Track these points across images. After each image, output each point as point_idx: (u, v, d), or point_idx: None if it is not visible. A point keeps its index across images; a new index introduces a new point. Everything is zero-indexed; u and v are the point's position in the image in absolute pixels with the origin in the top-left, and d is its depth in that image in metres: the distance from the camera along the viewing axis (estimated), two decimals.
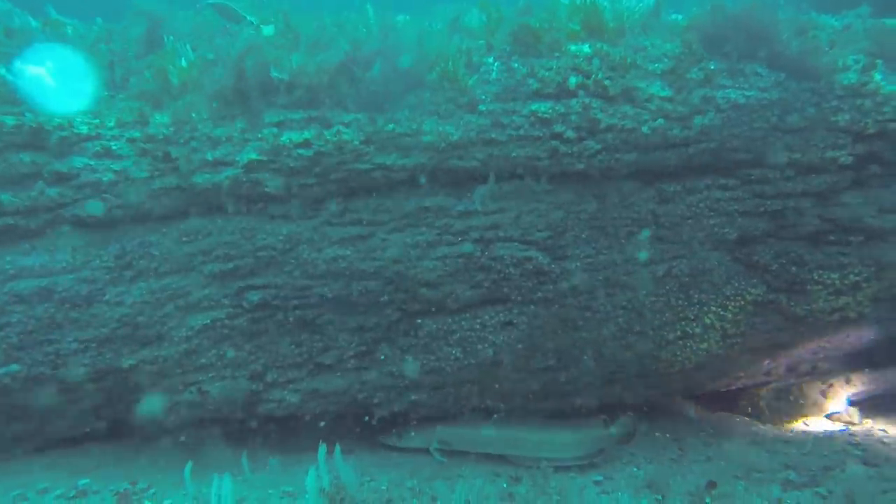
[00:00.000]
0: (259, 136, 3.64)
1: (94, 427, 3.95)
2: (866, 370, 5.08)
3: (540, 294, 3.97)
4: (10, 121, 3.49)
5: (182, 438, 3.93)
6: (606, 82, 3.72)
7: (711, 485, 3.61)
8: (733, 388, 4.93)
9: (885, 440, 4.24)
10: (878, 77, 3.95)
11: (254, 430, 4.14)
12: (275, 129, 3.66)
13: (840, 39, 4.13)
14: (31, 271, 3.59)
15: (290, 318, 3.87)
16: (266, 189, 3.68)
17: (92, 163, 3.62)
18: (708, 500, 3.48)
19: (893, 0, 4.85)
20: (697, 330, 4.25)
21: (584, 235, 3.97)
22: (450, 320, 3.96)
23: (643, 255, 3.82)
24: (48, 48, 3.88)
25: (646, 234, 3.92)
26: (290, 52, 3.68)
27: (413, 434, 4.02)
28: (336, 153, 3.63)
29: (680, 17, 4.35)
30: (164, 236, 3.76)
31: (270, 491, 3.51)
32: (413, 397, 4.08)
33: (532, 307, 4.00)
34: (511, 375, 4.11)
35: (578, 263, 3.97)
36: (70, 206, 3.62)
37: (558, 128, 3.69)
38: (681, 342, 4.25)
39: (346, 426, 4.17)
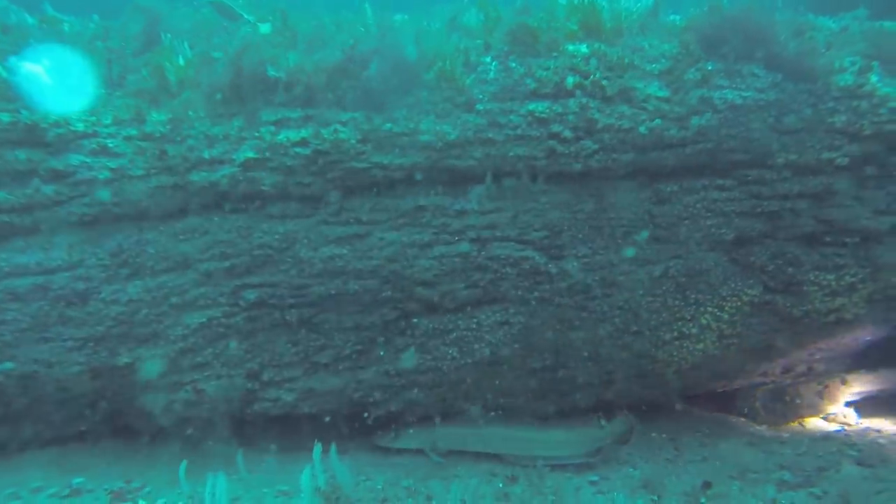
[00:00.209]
0: (256, 134, 3.64)
1: (89, 426, 3.94)
2: (862, 371, 5.10)
3: (536, 294, 3.97)
4: (5, 118, 3.48)
5: (189, 431, 3.92)
6: (604, 82, 3.73)
7: (707, 485, 3.62)
8: (730, 388, 4.94)
9: (881, 440, 4.26)
10: (874, 79, 3.97)
11: (251, 428, 4.13)
12: (272, 128, 3.65)
13: (837, 41, 4.15)
14: (27, 269, 3.58)
15: (287, 317, 3.86)
16: (263, 187, 3.67)
17: (88, 160, 3.61)
18: (703, 500, 3.48)
19: (891, 3, 4.87)
20: (694, 330, 4.26)
21: (580, 235, 3.97)
22: (446, 320, 3.96)
23: (630, 252, 3.81)
24: (45, 45, 3.87)
25: (644, 235, 3.92)
26: (288, 51, 3.68)
27: (408, 434, 4.00)
28: (333, 152, 3.62)
29: (678, 17, 4.36)
30: (161, 234, 3.75)
31: (266, 490, 3.51)
32: (409, 396, 4.08)
33: (529, 307, 4.00)
34: (508, 375, 4.12)
35: (575, 263, 3.97)
36: (66, 203, 3.61)
37: (555, 127, 3.69)
38: (677, 342, 4.26)
39: (340, 425, 4.16)
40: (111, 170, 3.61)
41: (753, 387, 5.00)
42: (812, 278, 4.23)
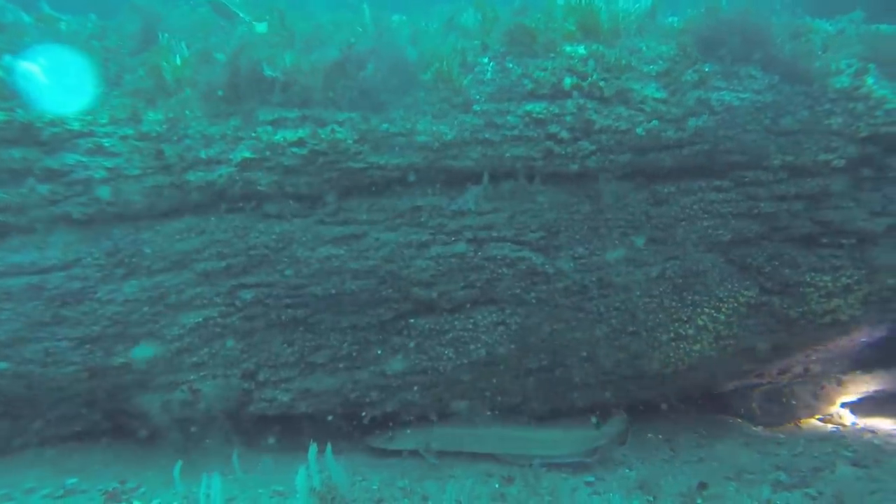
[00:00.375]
0: (253, 134, 3.63)
1: (84, 426, 3.93)
2: (858, 372, 5.11)
3: (533, 294, 3.97)
4: (0, 116, 3.47)
5: (185, 432, 3.90)
6: (601, 83, 3.73)
7: (702, 486, 3.63)
8: (726, 389, 4.95)
9: (875, 441, 4.27)
10: (870, 81, 3.98)
11: (247, 428, 4.12)
12: (269, 128, 3.65)
13: (834, 43, 4.16)
14: (21, 268, 3.56)
15: (283, 317, 3.86)
16: (260, 187, 3.67)
17: (84, 159, 3.60)
18: (699, 500, 3.49)
19: (887, 5, 4.88)
20: (690, 331, 4.26)
21: (577, 236, 3.97)
22: (442, 320, 3.96)
23: (617, 254, 3.81)
24: (41, 44, 3.86)
25: (640, 241, 3.92)
26: (284, 51, 3.68)
27: (403, 434, 3.99)
28: (330, 152, 3.62)
29: (675, 19, 4.36)
30: (157, 234, 3.74)
31: (261, 490, 3.50)
32: (406, 396, 4.07)
33: (525, 307, 4.00)
34: (504, 375, 4.12)
35: (572, 264, 3.97)
36: (62, 202, 3.59)
37: (553, 128, 3.69)
38: (674, 343, 4.26)
39: (338, 425, 4.15)
40: (107, 169, 3.60)
41: (750, 388, 5.01)
42: (808, 279, 4.24)
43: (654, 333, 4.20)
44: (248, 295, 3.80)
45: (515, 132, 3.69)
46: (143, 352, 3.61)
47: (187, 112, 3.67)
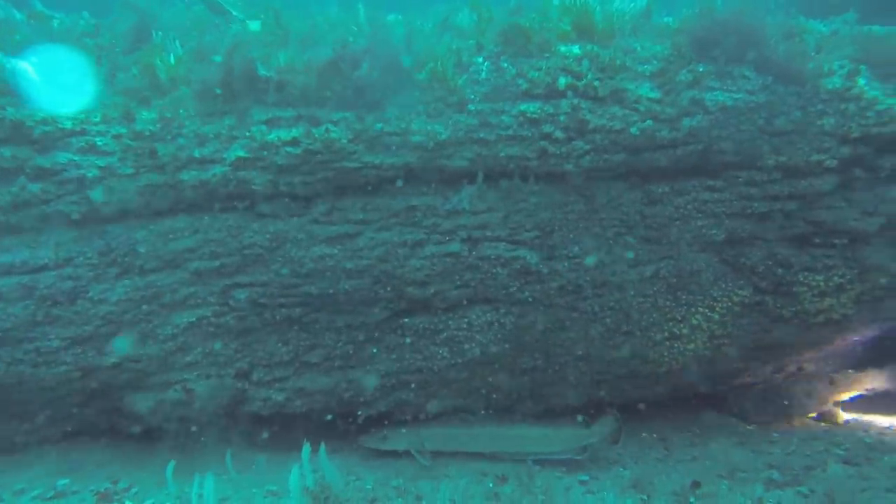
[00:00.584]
0: (247, 133, 3.62)
1: (76, 426, 3.91)
2: (851, 371, 5.15)
3: (527, 294, 3.98)
4: None
5: (179, 431, 3.89)
6: (596, 83, 3.74)
7: (696, 484, 3.64)
8: (721, 388, 4.97)
9: (867, 440, 4.30)
10: (861, 82, 4.00)
11: (241, 428, 4.11)
12: (263, 127, 3.64)
13: (827, 44, 4.18)
14: (12, 268, 3.54)
15: (277, 317, 3.85)
16: (254, 187, 3.65)
17: (76, 158, 3.58)
18: (692, 499, 3.50)
19: (880, 5, 4.91)
20: (685, 331, 4.28)
21: (571, 236, 3.98)
22: (437, 319, 3.96)
23: (590, 260, 3.83)
24: (33, 42, 3.83)
25: (630, 255, 3.93)
26: (279, 50, 3.66)
27: (396, 435, 3.98)
28: (324, 151, 3.61)
29: (670, 19, 4.37)
30: (151, 233, 3.73)
31: (255, 490, 3.49)
32: (400, 396, 4.07)
33: (520, 307, 4.01)
34: (498, 375, 4.12)
35: (566, 264, 3.98)
36: (54, 201, 3.57)
37: (547, 128, 3.70)
38: (668, 343, 4.28)
39: (333, 424, 4.15)
40: (100, 168, 3.58)
41: (744, 386, 5.03)
42: (801, 279, 4.26)
43: (648, 333, 4.22)
44: (242, 294, 3.78)
45: (510, 132, 3.69)
46: (122, 344, 3.58)
47: (181, 111, 3.66)
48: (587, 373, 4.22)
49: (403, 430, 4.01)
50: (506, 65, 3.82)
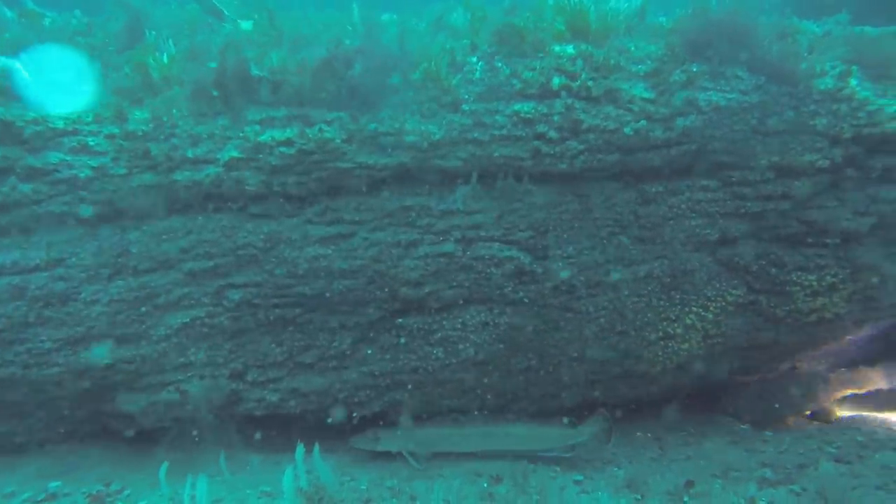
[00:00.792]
0: (241, 133, 3.61)
1: (68, 428, 3.89)
2: (844, 369, 5.18)
3: (521, 294, 3.98)
4: None
5: (173, 432, 3.87)
6: (590, 83, 3.74)
7: (689, 484, 3.65)
8: (716, 387, 4.99)
9: (859, 438, 4.33)
10: (853, 83, 4.03)
11: (235, 429, 4.10)
12: (257, 127, 3.63)
13: (819, 45, 4.21)
14: (3, 269, 3.51)
15: (271, 317, 3.84)
16: (247, 187, 3.64)
17: (68, 158, 3.55)
18: (686, 499, 3.51)
19: (872, 8, 4.94)
20: (679, 330, 4.29)
21: (565, 236, 3.99)
22: (431, 320, 3.96)
23: (564, 274, 3.84)
24: (24, 40, 3.80)
25: (616, 275, 3.94)
26: (272, 50, 3.66)
27: (389, 436, 3.96)
28: (318, 152, 3.60)
29: (665, 19, 4.39)
30: (144, 234, 3.71)
31: (249, 491, 3.48)
32: (395, 396, 4.07)
33: (514, 307, 4.01)
34: (493, 375, 4.12)
35: (560, 264, 3.99)
36: (45, 202, 3.55)
37: (541, 128, 3.70)
38: (662, 343, 4.29)
39: (327, 425, 4.14)
40: (92, 168, 3.56)
41: (738, 385, 5.05)
42: (795, 279, 4.28)
43: (642, 333, 4.23)
44: (236, 295, 3.77)
45: (504, 132, 3.69)
46: (99, 353, 3.56)
47: (174, 111, 3.64)
48: (581, 373, 4.23)
49: (395, 431, 3.99)
50: (500, 64, 3.82)
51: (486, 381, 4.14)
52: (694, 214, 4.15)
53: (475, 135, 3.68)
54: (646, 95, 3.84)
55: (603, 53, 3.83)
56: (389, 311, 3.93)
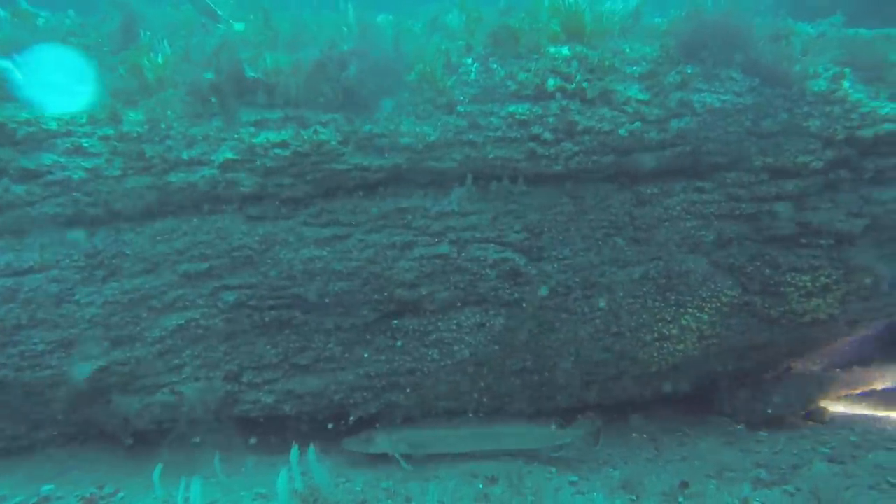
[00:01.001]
0: (236, 135, 3.60)
1: (62, 430, 3.87)
2: (839, 370, 5.20)
3: (517, 295, 3.99)
4: None
5: (167, 435, 3.86)
6: (584, 85, 3.75)
7: (684, 485, 3.67)
8: (712, 388, 5.00)
9: (852, 438, 4.35)
10: (846, 85, 4.05)
11: (230, 431, 4.09)
12: (252, 129, 3.62)
13: (813, 47, 4.22)
14: None
15: (266, 319, 3.83)
16: (242, 188, 3.64)
17: (62, 160, 3.54)
18: (681, 499, 3.52)
19: (866, 10, 4.96)
20: (674, 331, 4.30)
21: (560, 237, 3.99)
22: (426, 321, 3.96)
23: (544, 291, 3.87)
24: (16, 40, 3.78)
25: (602, 303, 3.98)
26: (267, 51, 3.65)
27: (380, 437, 3.95)
28: (313, 153, 3.60)
29: (661, 20, 4.39)
30: (138, 235, 3.70)
31: (243, 493, 3.48)
32: (390, 398, 4.07)
33: (509, 308, 4.01)
34: (488, 376, 4.13)
35: (555, 265, 3.99)
36: (39, 203, 3.53)
37: (536, 129, 3.71)
38: (657, 343, 4.30)
39: (322, 426, 4.13)
40: (86, 170, 3.55)
41: (733, 386, 5.07)
42: (789, 279, 4.30)
43: (637, 334, 4.24)
44: (230, 297, 3.76)
45: (499, 133, 3.70)
46: (82, 370, 3.56)
47: (169, 112, 3.63)
48: (576, 374, 4.24)
49: (386, 433, 3.98)
50: (495, 66, 3.82)
51: (480, 382, 4.14)
52: (689, 216, 4.16)
53: (470, 136, 3.69)
54: (641, 97, 3.84)
55: (598, 55, 3.84)
56: (385, 312, 3.93)
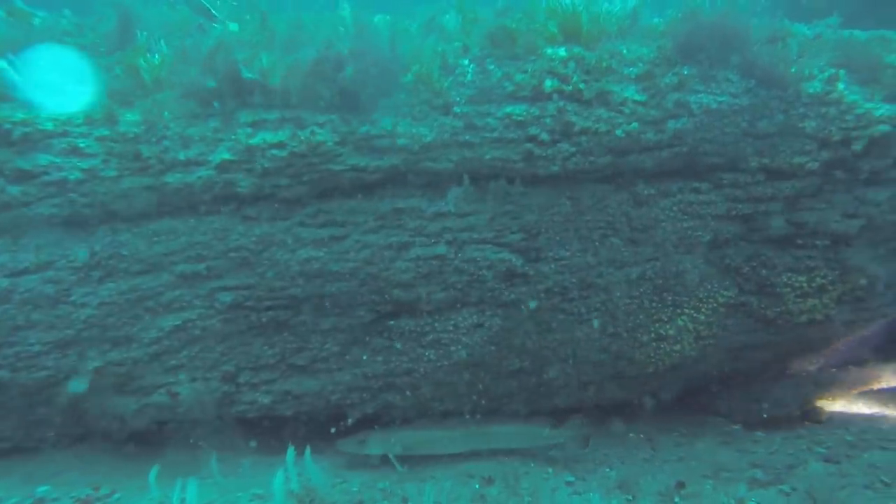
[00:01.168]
0: (232, 136, 3.60)
1: (58, 431, 3.86)
2: (834, 370, 5.22)
3: (513, 296, 3.99)
4: None
5: (164, 436, 3.85)
6: (581, 86, 3.76)
7: (680, 485, 3.68)
8: (708, 388, 5.02)
9: (848, 437, 4.37)
10: (841, 87, 4.06)
11: (227, 431, 4.09)
12: (249, 129, 3.62)
13: (809, 49, 4.24)
14: None
15: (263, 319, 3.83)
16: (239, 189, 3.63)
17: (58, 160, 3.53)
18: (677, 499, 3.53)
19: (862, 11, 4.98)
20: (671, 332, 4.32)
21: (557, 238, 4.00)
22: (423, 322, 3.96)
23: (532, 304, 3.89)
24: (12, 40, 3.77)
25: (596, 324, 4.01)
26: (263, 52, 3.64)
27: (374, 438, 3.95)
28: (310, 154, 3.60)
29: (659, 20, 4.40)
30: (135, 236, 3.69)
31: (240, 494, 3.47)
32: (387, 398, 4.07)
33: (506, 309, 4.02)
34: (485, 377, 4.13)
35: (552, 265, 4.00)
36: (34, 204, 3.52)
37: (533, 130, 3.71)
38: (654, 344, 4.31)
39: (318, 427, 4.14)
40: (83, 170, 3.54)
41: (730, 386, 5.08)
42: (785, 280, 4.32)
43: (634, 334, 4.25)
44: (227, 297, 3.76)
45: (495, 134, 3.70)
46: (77, 387, 3.55)
47: (165, 113, 3.63)
48: (573, 374, 4.25)
49: (380, 434, 3.97)
50: (492, 67, 3.82)
51: (477, 383, 4.14)
52: (686, 216, 4.17)
53: (467, 137, 3.69)
54: (637, 98, 3.85)
55: (595, 56, 3.84)
56: (382, 313, 3.93)
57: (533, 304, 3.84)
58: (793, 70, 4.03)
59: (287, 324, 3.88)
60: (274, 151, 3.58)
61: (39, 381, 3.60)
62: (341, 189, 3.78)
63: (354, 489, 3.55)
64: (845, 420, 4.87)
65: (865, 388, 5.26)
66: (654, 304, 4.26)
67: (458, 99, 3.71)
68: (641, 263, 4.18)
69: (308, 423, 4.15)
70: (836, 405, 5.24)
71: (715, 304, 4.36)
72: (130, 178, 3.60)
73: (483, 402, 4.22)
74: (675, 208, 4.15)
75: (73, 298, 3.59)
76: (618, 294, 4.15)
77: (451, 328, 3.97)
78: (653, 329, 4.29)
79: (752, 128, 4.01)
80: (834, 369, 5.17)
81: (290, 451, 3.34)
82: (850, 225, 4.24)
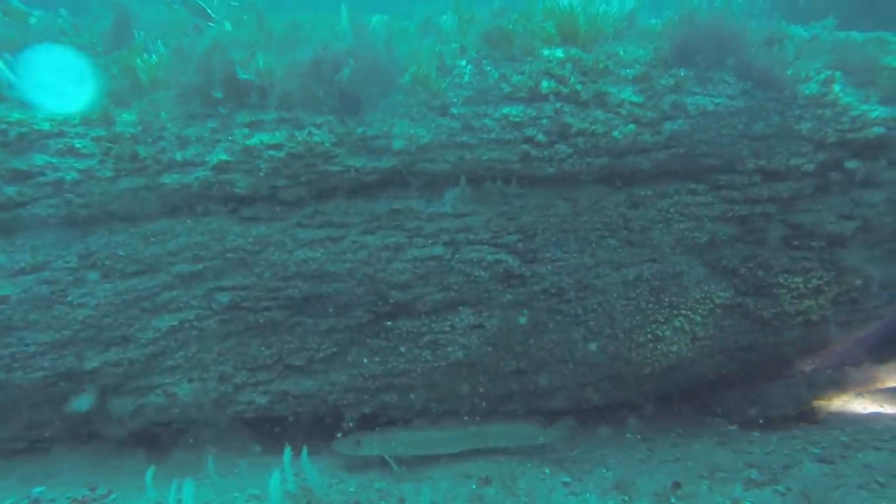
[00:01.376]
0: (230, 136, 3.59)
1: (54, 432, 3.86)
2: (830, 370, 5.24)
3: (510, 297, 4.00)
4: None
5: (161, 436, 3.85)
6: (578, 87, 3.76)
7: (676, 485, 3.69)
8: (704, 388, 5.04)
9: (843, 438, 4.39)
10: (837, 89, 4.08)
11: (224, 432, 4.09)
12: (246, 130, 3.61)
13: (806, 51, 4.25)
14: None
15: (260, 320, 3.83)
16: (236, 190, 3.63)
17: (54, 161, 3.52)
18: (673, 500, 3.55)
19: (859, 13, 5.00)
20: (667, 333, 4.33)
21: (554, 239, 4.01)
22: (420, 322, 3.97)
23: (523, 319, 3.92)
24: (7, 39, 3.76)
25: (593, 346, 4.07)
26: (259, 53, 3.64)
27: (370, 439, 3.95)
28: (307, 155, 3.60)
29: (655, 22, 4.41)
30: (132, 237, 3.69)
31: (237, 494, 3.48)
32: (384, 399, 4.08)
33: (502, 310, 4.03)
34: (481, 378, 4.14)
35: (549, 266, 4.01)
36: (30, 204, 3.52)
37: (530, 131, 3.72)
38: (651, 345, 4.33)
39: (316, 428, 4.14)
40: (79, 171, 3.54)
41: (726, 387, 5.10)
42: (781, 281, 4.34)
43: (631, 335, 4.26)
44: (224, 298, 3.76)
45: (493, 135, 3.70)
46: (81, 405, 3.56)
47: (162, 113, 3.62)
48: (570, 375, 4.26)
49: (376, 435, 3.96)
50: (489, 68, 3.83)
51: (474, 383, 4.15)
52: (683, 218, 4.18)
53: (464, 138, 3.69)
54: (634, 99, 3.86)
55: (592, 57, 3.85)
56: (379, 313, 3.93)
57: (523, 320, 3.88)
58: (789, 72, 4.04)
59: (284, 324, 3.88)
60: (271, 152, 3.58)
61: (36, 382, 3.60)
62: (339, 190, 3.78)
63: (351, 490, 3.56)
64: (841, 421, 4.90)
65: (861, 389, 5.28)
66: (650, 306, 4.27)
67: (455, 100, 3.72)
68: (638, 265, 4.19)
69: (306, 424, 4.15)
70: (832, 406, 5.27)
71: (711, 305, 4.38)
72: (127, 179, 3.59)
73: (480, 402, 4.23)
74: (671, 210, 4.16)
75: (69, 299, 3.59)
76: (614, 295, 4.16)
77: (447, 329, 3.98)
78: (649, 330, 4.30)
79: (748, 129, 4.02)
80: (830, 370, 5.19)
81: (287, 451, 3.34)
82: (846, 226, 4.26)
